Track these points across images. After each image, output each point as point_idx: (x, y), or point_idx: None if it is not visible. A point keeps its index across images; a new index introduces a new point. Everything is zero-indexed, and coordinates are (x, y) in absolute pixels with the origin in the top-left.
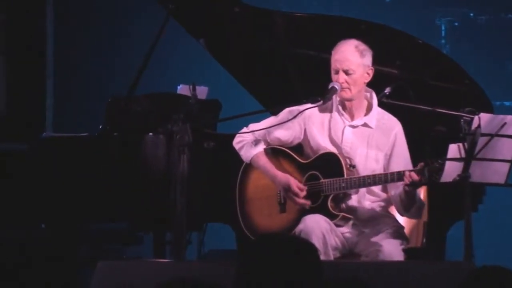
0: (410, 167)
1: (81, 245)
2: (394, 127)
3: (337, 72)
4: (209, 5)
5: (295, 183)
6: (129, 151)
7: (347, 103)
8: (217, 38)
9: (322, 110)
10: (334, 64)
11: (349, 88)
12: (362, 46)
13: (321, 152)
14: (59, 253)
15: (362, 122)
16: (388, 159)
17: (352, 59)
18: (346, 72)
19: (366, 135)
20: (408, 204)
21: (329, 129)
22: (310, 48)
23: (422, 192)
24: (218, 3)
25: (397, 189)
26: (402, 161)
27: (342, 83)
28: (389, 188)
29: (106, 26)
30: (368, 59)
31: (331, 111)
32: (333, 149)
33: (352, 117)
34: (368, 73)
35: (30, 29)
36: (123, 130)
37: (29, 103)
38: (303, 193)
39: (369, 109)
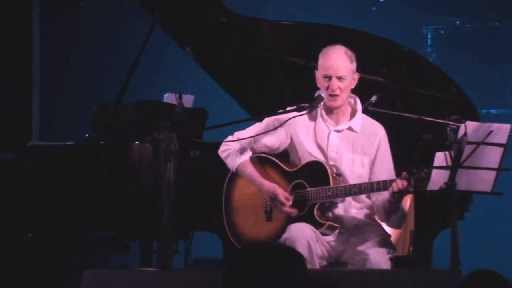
0: (393, 172)
1: (68, 253)
2: (378, 132)
3: (329, 79)
4: (195, 14)
5: (281, 193)
6: (116, 159)
7: (334, 110)
8: (204, 47)
9: (306, 117)
10: (326, 71)
11: (340, 95)
12: (349, 52)
13: (307, 158)
14: (46, 261)
15: (347, 126)
16: (372, 164)
17: (345, 65)
18: (340, 78)
19: (351, 140)
20: (390, 212)
21: (315, 135)
22: (297, 56)
23: (408, 201)
24: (205, 12)
25: (379, 195)
26: (385, 166)
27: (335, 89)
28: (371, 195)
29: (93, 35)
30: (355, 64)
31: (315, 118)
32: (319, 155)
33: (336, 123)
34: (354, 79)
35: (16, 37)
36: (109, 139)
37: (16, 111)
38: (289, 203)
39: (353, 114)
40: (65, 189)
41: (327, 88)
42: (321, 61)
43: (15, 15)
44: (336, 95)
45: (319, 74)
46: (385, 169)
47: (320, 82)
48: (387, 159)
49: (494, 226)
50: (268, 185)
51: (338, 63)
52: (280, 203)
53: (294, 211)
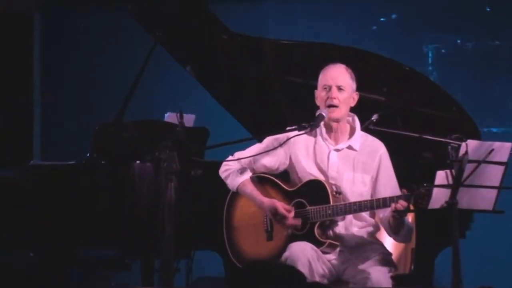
0: (397, 189)
1: (69, 272)
2: (378, 149)
3: (329, 89)
4: (196, 33)
5: (281, 206)
6: (117, 178)
7: (333, 125)
8: (205, 66)
9: (306, 136)
10: (326, 81)
11: (339, 107)
12: (350, 70)
13: (307, 178)
14: (48, 280)
15: (346, 145)
16: (375, 182)
17: (345, 77)
18: (339, 88)
19: (351, 158)
20: (397, 228)
21: (314, 154)
22: (297, 75)
23: (410, 217)
24: (205, 31)
25: (385, 212)
26: (388, 183)
27: (334, 98)
28: (377, 212)
29: (94, 53)
30: (355, 83)
31: (315, 137)
32: (319, 175)
33: (336, 142)
34: (354, 98)
35: (17, 56)
36: (110, 158)
37: (17, 130)
38: (291, 214)
39: (352, 132)
40: (67, 208)
41: (326, 99)
42: (321, 76)
43: (16, 34)
44: (335, 106)
45: (319, 88)
46: (389, 186)
47: (320, 95)
48: (389, 176)
49: (495, 244)
50: (268, 201)
51: (338, 74)
52: (282, 217)
53: (298, 222)
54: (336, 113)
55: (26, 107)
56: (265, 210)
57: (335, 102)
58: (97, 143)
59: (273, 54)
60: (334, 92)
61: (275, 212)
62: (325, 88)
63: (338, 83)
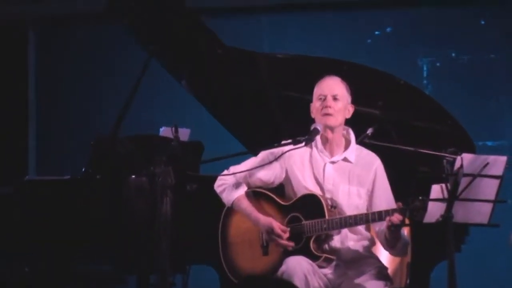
0: (393, 201)
1: (65, 286)
2: (373, 162)
3: (324, 98)
4: (191, 47)
5: (277, 226)
6: (112, 193)
7: (328, 135)
8: (199, 80)
9: (302, 150)
10: (322, 91)
11: (334, 115)
12: (345, 83)
13: (302, 192)
14: None
15: (342, 157)
16: (371, 195)
17: (340, 88)
18: (334, 98)
19: (347, 171)
20: (393, 242)
21: (311, 167)
22: (292, 89)
23: (405, 230)
24: (200, 45)
25: (381, 225)
26: (384, 196)
27: (329, 107)
28: (373, 225)
29: (89, 68)
30: (350, 96)
31: (311, 149)
32: (315, 188)
33: (331, 154)
34: (349, 110)
35: (11, 70)
36: (106, 173)
37: (12, 145)
38: (286, 235)
39: (347, 145)
40: (62, 223)
41: (322, 109)
42: (316, 88)
43: (11, 48)
44: (330, 114)
45: (314, 99)
46: (384, 199)
47: (315, 106)
48: (385, 189)
49: (491, 257)
50: (264, 219)
51: (333, 84)
52: (277, 236)
53: (291, 244)
54: (331, 120)
55: (21, 122)
56: (260, 227)
57: (330, 111)
58: (93, 157)
59: (268, 68)
60: (329, 101)
61: (270, 231)
62: (320, 98)
63: (334, 92)
